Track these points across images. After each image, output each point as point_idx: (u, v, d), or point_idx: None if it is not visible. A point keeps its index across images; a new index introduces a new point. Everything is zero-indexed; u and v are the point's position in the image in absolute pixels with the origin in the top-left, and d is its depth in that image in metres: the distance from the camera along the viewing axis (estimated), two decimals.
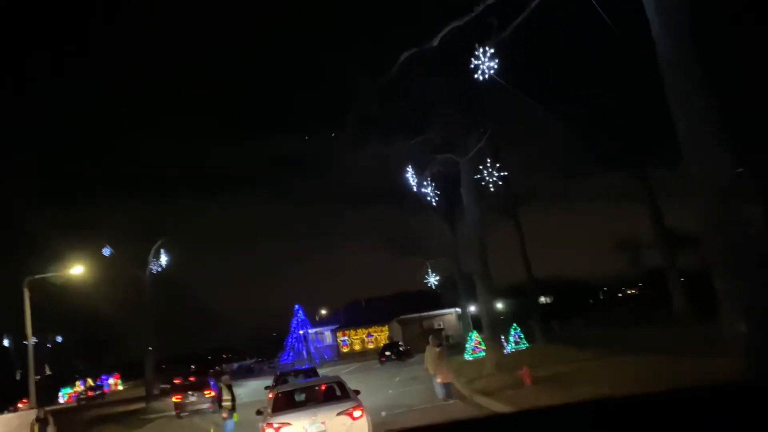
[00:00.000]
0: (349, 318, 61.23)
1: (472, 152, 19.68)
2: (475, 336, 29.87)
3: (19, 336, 45.31)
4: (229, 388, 15.20)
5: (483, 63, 14.30)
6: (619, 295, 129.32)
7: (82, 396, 55.91)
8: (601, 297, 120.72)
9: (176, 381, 57.90)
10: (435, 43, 15.45)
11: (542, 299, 59.42)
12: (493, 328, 21.04)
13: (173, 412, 25.62)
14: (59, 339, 58.34)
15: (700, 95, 9.35)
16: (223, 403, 15.00)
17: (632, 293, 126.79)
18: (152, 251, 34.06)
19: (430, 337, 16.50)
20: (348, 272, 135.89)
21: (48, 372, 66.00)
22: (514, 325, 29.83)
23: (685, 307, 26.33)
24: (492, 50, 14.34)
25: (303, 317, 62.59)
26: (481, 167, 19.63)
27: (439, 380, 15.49)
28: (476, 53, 14.41)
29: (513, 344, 28.99)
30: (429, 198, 22.03)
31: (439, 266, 36.69)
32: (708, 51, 10.45)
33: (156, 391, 35.79)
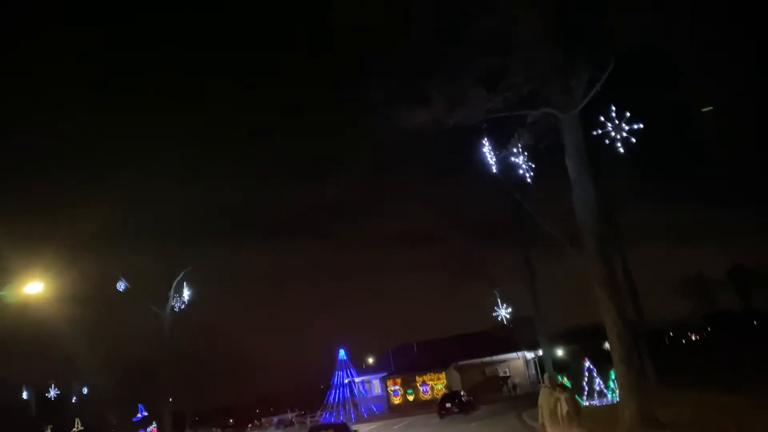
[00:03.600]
0: (399, 364, 54.98)
1: (585, 100, 14.35)
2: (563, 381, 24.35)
3: (39, 387, 41.60)
4: None
5: None
6: (683, 340, 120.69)
7: None
8: (667, 342, 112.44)
9: None
10: None
11: (606, 345, 52.86)
12: (629, 361, 14.56)
13: None
14: (85, 390, 54.41)
15: None
16: None
17: (697, 338, 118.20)
18: (173, 286, 29.84)
19: (546, 377, 10.88)
20: (397, 315, 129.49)
21: (80, 427, 62.14)
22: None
23: None
24: None
25: (346, 360, 56.56)
26: (602, 118, 14.00)
27: None
28: None
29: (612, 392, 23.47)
30: (522, 171, 16.63)
31: (508, 298, 31.13)
32: None
33: None
